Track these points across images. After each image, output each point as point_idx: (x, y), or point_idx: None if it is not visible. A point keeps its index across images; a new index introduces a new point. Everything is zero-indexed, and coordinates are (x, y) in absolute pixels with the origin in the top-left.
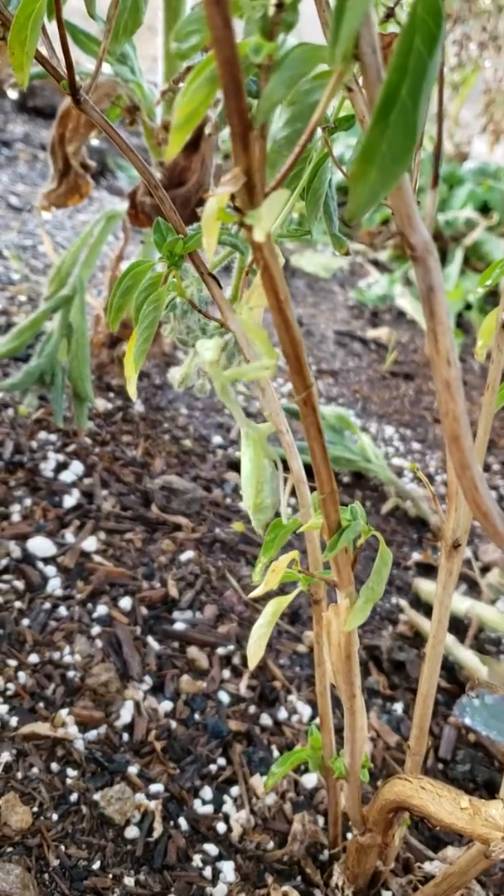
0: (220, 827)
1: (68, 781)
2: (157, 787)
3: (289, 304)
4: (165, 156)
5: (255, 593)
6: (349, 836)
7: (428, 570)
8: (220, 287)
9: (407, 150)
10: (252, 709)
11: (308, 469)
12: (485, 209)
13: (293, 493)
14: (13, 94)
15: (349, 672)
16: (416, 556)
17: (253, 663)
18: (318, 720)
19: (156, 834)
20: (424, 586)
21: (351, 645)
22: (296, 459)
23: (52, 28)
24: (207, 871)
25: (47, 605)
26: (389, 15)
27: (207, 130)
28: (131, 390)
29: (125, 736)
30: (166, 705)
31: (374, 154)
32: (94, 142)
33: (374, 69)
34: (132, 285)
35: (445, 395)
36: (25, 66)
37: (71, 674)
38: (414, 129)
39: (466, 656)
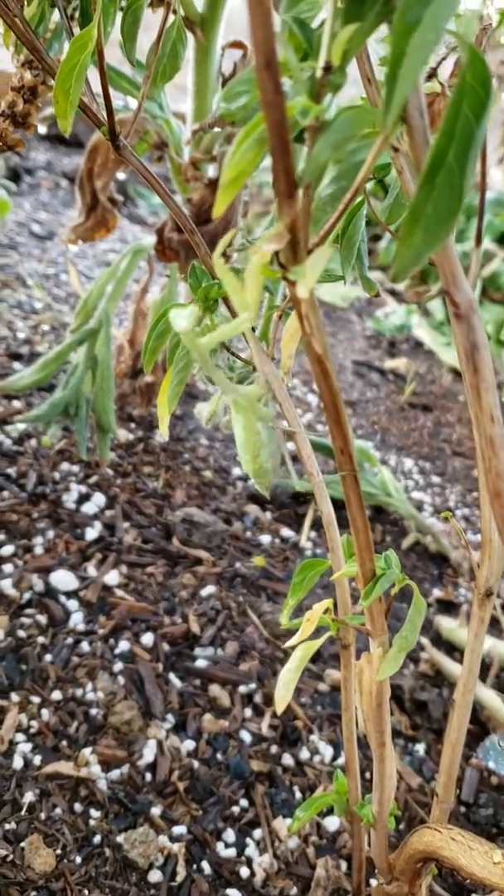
0: (244, 871)
1: (91, 823)
2: (180, 830)
3: (328, 356)
4: (214, 213)
5: (289, 643)
6: (373, 882)
7: (449, 608)
8: (253, 329)
9: (452, 213)
10: (274, 749)
11: (335, 503)
12: (502, 240)
13: (314, 526)
14: (42, 129)
15: (380, 720)
16: (437, 593)
17: (280, 707)
18: (341, 760)
19: (179, 878)
20: (445, 624)
21: (382, 693)
22: (326, 501)
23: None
24: None
25: (70, 641)
26: (431, 75)
27: None
28: (163, 429)
29: (148, 776)
30: (189, 744)
31: (419, 216)
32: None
33: (421, 131)
34: (167, 329)
35: (489, 451)
36: (69, 114)
37: (94, 711)
38: (460, 192)
39: (488, 696)
